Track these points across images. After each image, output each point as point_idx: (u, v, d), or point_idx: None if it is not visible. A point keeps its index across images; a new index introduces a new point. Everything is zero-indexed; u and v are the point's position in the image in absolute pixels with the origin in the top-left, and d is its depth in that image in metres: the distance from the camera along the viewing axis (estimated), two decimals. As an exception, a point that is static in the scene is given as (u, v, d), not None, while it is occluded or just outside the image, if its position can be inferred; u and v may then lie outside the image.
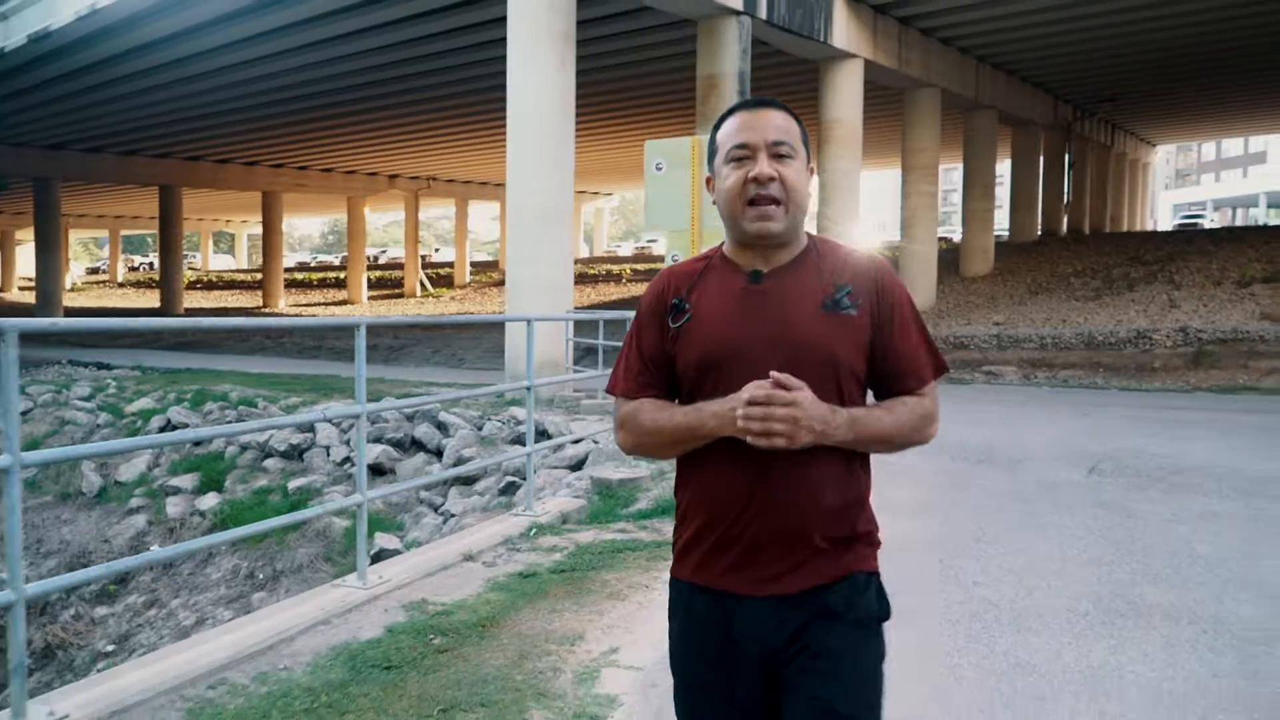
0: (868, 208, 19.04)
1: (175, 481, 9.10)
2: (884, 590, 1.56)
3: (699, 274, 1.58)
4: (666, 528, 4.76)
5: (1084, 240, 26.29)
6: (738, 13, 13.40)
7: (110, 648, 7.35)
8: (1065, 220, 28.67)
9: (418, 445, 8.75)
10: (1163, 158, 68.02)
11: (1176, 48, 19.69)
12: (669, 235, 7.15)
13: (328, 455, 9.05)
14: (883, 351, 1.54)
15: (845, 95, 16.42)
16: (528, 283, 10.66)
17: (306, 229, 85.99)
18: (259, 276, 49.25)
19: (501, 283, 39.16)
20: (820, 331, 1.49)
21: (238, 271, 58.90)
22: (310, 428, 9.28)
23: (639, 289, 31.52)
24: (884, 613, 1.56)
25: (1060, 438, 8.04)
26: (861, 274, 1.53)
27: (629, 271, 35.14)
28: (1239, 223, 55.96)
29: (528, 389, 5.02)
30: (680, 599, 1.59)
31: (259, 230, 68.34)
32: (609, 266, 36.35)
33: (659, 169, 6.89)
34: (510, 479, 7.25)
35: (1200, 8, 16.79)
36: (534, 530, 4.74)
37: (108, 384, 12.07)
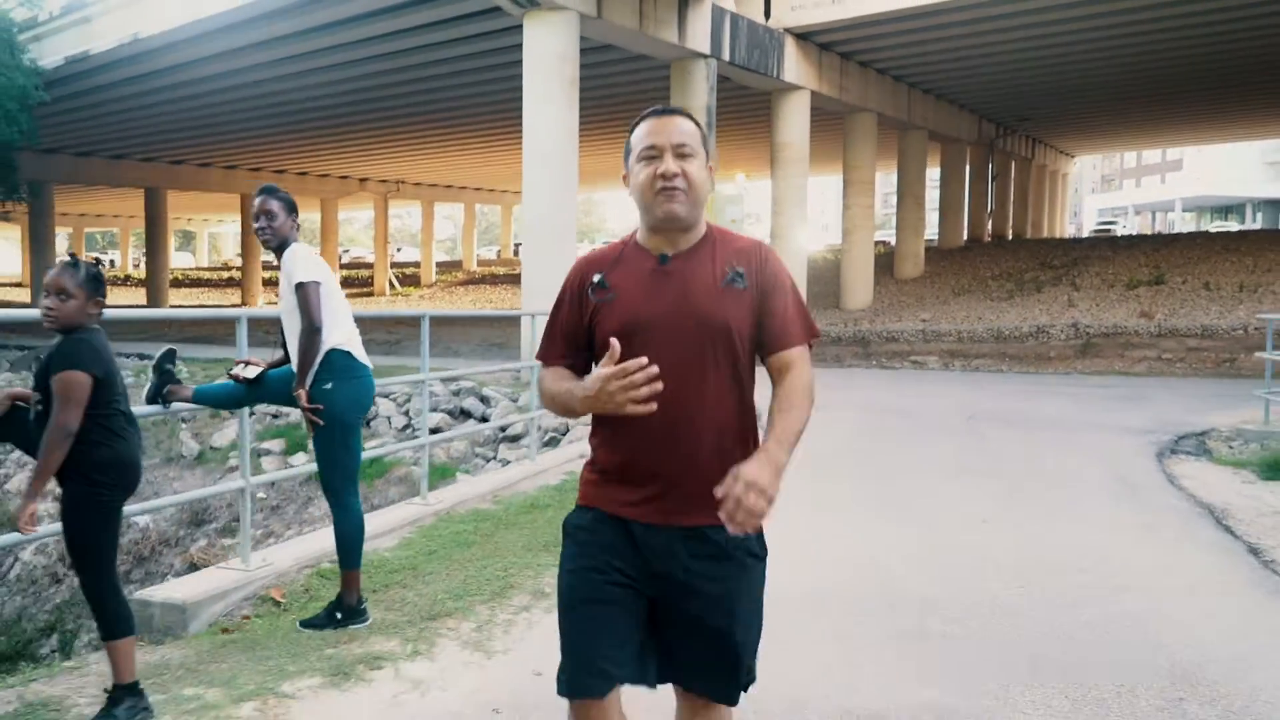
0: (813, 211, 21.75)
1: (265, 445, 11.28)
2: (763, 535, 1.77)
3: (615, 258, 1.80)
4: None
5: (1004, 246, 28.94)
6: (706, 56, 15.90)
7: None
8: (989, 227, 31.52)
9: (465, 414, 11.08)
10: (1089, 164, 71.86)
11: (1084, 73, 22.27)
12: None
13: (390, 424, 11.32)
14: (762, 315, 1.74)
15: (794, 121, 19.01)
16: (541, 282, 13.02)
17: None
18: (225, 274, 50.35)
19: (466, 282, 41.21)
20: (718, 305, 1.71)
21: (203, 269, 59.56)
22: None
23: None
24: (764, 552, 1.79)
25: (957, 403, 10.78)
26: (749, 255, 1.77)
27: (591, 271, 37.17)
28: (1159, 226, 60.55)
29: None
30: (584, 519, 1.77)
31: (220, 229, 69.11)
32: (572, 266, 38.26)
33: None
34: (551, 434, 9.64)
35: (1102, 40, 19.24)
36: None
37: (180, 369, 14.07)
